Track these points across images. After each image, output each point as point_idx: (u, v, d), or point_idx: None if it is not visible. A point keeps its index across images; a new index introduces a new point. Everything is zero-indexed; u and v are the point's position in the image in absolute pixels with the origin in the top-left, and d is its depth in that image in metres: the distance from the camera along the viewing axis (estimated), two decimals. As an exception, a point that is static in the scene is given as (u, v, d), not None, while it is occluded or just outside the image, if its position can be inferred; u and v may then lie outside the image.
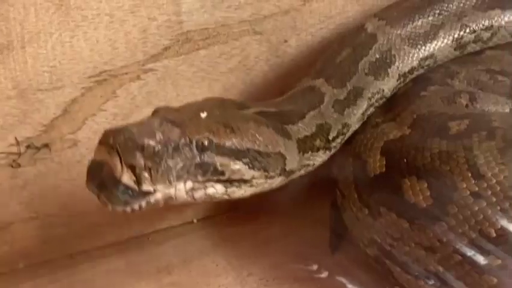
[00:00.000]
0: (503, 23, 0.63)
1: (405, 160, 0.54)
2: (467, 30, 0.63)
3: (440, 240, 0.51)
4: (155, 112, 0.52)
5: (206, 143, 0.50)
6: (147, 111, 0.58)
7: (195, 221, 0.65)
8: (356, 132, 0.60)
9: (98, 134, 0.47)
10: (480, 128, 0.53)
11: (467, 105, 0.60)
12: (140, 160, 0.47)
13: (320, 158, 0.58)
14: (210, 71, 0.61)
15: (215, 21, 0.59)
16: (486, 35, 0.63)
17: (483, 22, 0.63)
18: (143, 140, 0.47)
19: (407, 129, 0.56)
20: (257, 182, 0.53)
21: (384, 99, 0.61)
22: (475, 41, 0.63)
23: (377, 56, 0.62)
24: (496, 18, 0.63)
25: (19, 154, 0.57)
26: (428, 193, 0.51)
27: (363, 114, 0.61)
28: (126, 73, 0.59)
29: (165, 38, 0.59)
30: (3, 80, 0.55)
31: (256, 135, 0.53)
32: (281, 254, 0.61)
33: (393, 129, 0.57)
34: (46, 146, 0.57)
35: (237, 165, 0.51)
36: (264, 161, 0.53)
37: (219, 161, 0.50)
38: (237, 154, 0.52)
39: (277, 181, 0.54)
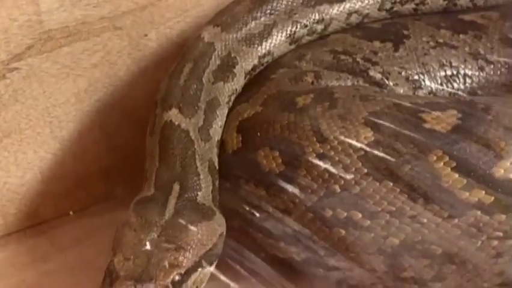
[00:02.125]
0: (333, 15, 0.68)
1: (258, 134, 0.57)
2: (299, 26, 0.67)
3: (293, 201, 0.54)
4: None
5: (177, 278, 0.49)
6: (15, 109, 0.59)
7: (71, 213, 0.65)
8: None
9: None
10: (323, 100, 0.56)
11: (312, 83, 0.64)
12: None
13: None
14: (73, 67, 0.61)
15: (75, 19, 0.60)
16: (319, 27, 0.68)
17: (313, 17, 0.67)
18: None
19: (258, 108, 0.59)
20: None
21: None
22: (309, 34, 0.68)
23: (218, 62, 0.63)
24: (326, 12, 0.68)
25: None
26: (280, 160, 0.54)
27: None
28: (-9, 73, 0.58)
29: (27, 37, 0.59)
30: None
31: (198, 236, 0.51)
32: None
33: (247, 109, 0.60)
34: None
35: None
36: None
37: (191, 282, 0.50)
38: (198, 264, 0.51)
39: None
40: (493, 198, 0.49)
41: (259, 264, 0.57)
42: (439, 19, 0.72)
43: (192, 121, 0.58)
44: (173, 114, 0.58)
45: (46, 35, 0.59)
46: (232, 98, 0.63)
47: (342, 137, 0.53)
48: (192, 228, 0.51)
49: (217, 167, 0.58)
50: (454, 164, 0.49)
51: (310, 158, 0.53)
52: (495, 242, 0.50)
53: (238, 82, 0.64)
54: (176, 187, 0.54)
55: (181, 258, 0.49)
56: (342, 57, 0.67)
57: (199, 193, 0.55)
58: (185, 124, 0.58)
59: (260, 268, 0.57)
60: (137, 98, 0.66)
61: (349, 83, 0.65)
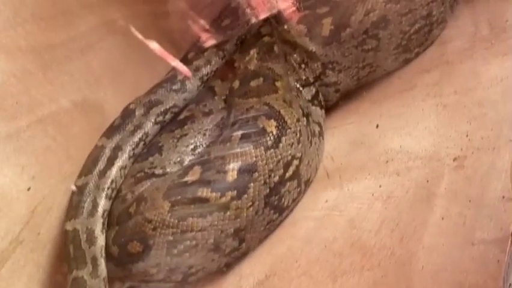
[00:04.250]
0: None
1: (123, 239, 0.99)
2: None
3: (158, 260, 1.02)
4: None
5: None
6: None
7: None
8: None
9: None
10: (140, 203, 1.05)
11: (132, 197, 1.11)
12: None
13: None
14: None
15: None
16: None
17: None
18: None
19: (116, 227, 1.03)
20: None
21: None
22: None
23: (84, 235, 1.00)
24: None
25: None
26: (139, 244, 0.99)
27: (104, 263, 0.98)
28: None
29: None
30: None
31: None
32: None
33: (111, 231, 1.02)
34: None
35: None
36: None
37: None
38: None
39: None
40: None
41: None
42: (170, 126, 1.22)
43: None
44: None
45: None
46: (103, 252, 0.99)
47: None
48: None
49: None
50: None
51: (149, 233, 0.97)
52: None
53: (100, 240, 1.00)
54: None
55: None
56: (139, 175, 1.15)
57: None
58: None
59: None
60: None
61: (148, 183, 1.10)
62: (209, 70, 1.29)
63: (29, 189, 1.06)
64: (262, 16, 1.21)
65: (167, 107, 1.22)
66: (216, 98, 1.25)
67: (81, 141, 1.17)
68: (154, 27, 1.36)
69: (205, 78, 1.29)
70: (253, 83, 1.09)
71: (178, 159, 1.19)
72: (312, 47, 1.09)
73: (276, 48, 1.13)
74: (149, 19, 1.39)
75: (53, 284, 1.06)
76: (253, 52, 1.15)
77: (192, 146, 1.21)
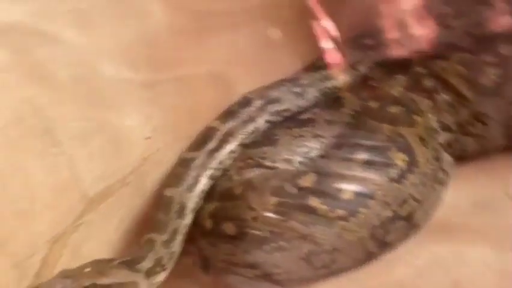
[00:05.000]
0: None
1: (220, 216, 0.96)
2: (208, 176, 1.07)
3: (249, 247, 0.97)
4: (58, 273, 0.81)
5: (88, 284, 0.78)
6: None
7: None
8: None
9: None
10: (247, 188, 1.03)
11: (239, 179, 1.10)
12: None
13: (160, 276, 0.90)
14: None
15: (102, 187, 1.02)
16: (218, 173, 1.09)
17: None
18: None
19: (216, 202, 0.99)
20: None
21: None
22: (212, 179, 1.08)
23: (177, 206, 0.98)
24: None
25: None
26: (235, 226, 0.94)
27: (181, 241, 0.95)
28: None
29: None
30: None
31: (118, 275, 0.81)
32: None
33: (210, 205, 0.99)
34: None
35: None
36: None
37: None
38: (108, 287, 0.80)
39: None
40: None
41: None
42: (290, 123, 1.18)
43: (162, 237, 0.93)
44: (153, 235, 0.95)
45: (91, 202, 1.00)
46: (184, 230, 0.96)
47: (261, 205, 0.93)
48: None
49: (163, 264, 0.92)
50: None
51: (249, 220, 0.93)
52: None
53: (187, 219, 0.98)
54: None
55: (98, 277, 0.80)
56: (249, 161, 1.13)
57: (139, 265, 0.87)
58: (156, 237, 0.93)
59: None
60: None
61: (258, 172, 1.05)
62: (332, 86, 1.25)
63: (147, 138, 1.09)
64: (413, 48, 1.16)
65: (283, 108, 1.19)
66: (342, 110, 1.21)
67: (204, 111, 1.18)
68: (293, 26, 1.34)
69: (327, 91, 1.25)
70: (392, 110, 1.05)
71: (289, 157, 1.17)
72: (468, 93, 1.03)
73: (426, 81, 1.08)
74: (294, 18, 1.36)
75: (135, 233, 1.08)
76: (400, 78, 1.10)
77: (305, 149, 1.19)
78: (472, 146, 1.06)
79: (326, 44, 1.37)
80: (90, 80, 1.00)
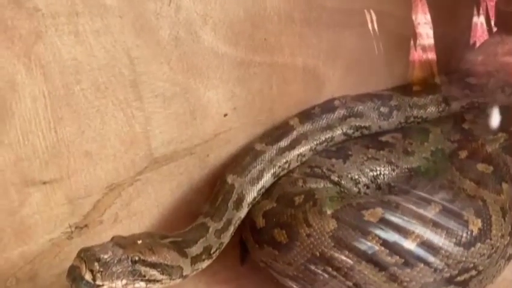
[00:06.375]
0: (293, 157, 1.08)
1: (274, 219, 0.92)
2: (277, 167, 1.04)
3: (293, 260, 0.89)
4: (112, 238, 0.78)
5: (136, 258, 0.76)
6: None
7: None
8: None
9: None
10: (309, 200, 0.92)
11: (302, 186, 1.06)
12: (96, 267, 0.71)
13: (204, 264, 0.88)
14: (170, 177, 1.01)
15: (168, 151, 1.00)
16: (286, 165, 1.07)
17: (283, 160, 1.07)
18: (99, 255, 0.73)
19: (274, 203, 0.96)
20: (165, 282, 0.80)
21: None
22: (283, 169, 1.06)
23: (236, 196, 0.95)
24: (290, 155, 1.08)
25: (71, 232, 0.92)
26: (286, 235, 0.89)
27: (232, 232, 0.94)
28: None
29: (145, 162, 0.99)
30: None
31: (167, 255, 0.79)
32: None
33: (267, 204, 0.97)
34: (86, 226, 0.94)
35: (153, 272, 0.78)
36: (170, 270, 0.80)
37: (143, 269, 0.76)
38: (154, 266, 0.78)
39: (177, 281, 0.83)
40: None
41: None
42: (367, 142, 1.15)
43: (215, 225, 0.91)
44: (207, 220, 0.92)
45: (154, 161, 0.99)
46: (238, 222, 0.95)
47: (321, 225, 0.87)
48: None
49: (211, 253, 0.89)
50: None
51: (302, 236, 0.87)
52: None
53: (243, 211, 0.96)
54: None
55: (147, 253, 0.77)
56: (316, 169, 1.11)
57: (188, 248, 0.85)
58: (210, 224, 0.91)
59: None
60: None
61: (321, 185, 1.06)
62: (419, 115, 1.18)
63: (225, 115, 1.05)
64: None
65: (363, 124, 1.14)
66: (425, 144, 1.14)
67: (287, 103, 1.14)
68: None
69: (411, 120, 1.19)
70: (479, 167, 0.97)
71: (356, 177, 1.12)
72: None
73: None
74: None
75: (187, 202, 1.06)
76: (501, 136, 1.02)
77: (375, 173, 1.13)
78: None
79: (424, 71, 1.30)
80: (188, 45, 0.97)
